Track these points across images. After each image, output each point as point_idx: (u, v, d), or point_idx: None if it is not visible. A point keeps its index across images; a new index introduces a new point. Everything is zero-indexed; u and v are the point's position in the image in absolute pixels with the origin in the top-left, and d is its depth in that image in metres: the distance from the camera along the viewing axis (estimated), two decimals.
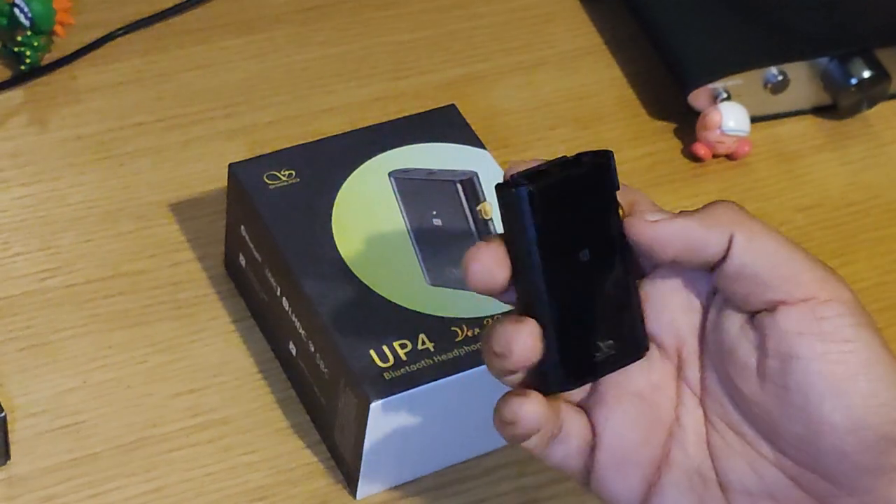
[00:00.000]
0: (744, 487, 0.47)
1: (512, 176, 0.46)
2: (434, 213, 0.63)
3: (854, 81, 0.76)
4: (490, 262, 0.46)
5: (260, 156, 0.64)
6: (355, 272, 0.60)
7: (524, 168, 0.46)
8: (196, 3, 0.79)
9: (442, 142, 0.65)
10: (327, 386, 0.59)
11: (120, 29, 0.76)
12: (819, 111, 0.79)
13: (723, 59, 0.76)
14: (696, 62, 0.76)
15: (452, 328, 0.59)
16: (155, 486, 0.60)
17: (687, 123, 0.76)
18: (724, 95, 0.75)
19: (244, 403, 0.63)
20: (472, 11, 0.82)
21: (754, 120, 0.76)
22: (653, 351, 0.48)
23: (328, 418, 0.60)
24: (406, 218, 0.62)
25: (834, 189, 0.76)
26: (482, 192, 0.63)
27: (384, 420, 0.57)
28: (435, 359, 0.58)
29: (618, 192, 0.47)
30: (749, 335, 0.46)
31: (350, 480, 0.60)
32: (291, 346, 0.62)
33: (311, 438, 0.62)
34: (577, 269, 0.47)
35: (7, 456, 0.59)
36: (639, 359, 0.48)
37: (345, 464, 0.60)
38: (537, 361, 0.46)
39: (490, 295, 0.47)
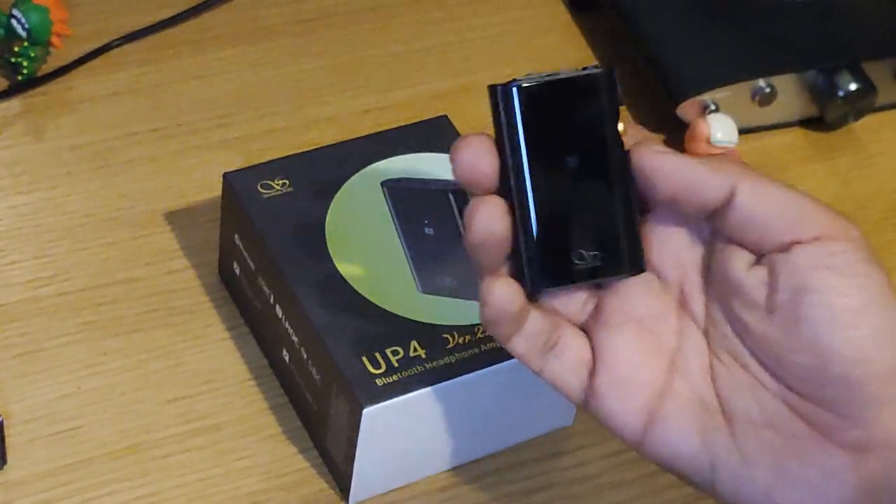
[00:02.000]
0: (747, 417, 0.48)
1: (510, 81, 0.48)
2: (426, 221, 0.63)
3: (841, 94, 0.77)
4: (476, 151, 0.48)
5: (254, 165, 0.65)
6: (348, 280, 0.61)
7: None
8: (191, 14, 0.79)
9: (434, 152, 0.66)
10: (320, 392, 0.60)
11: (116, 40, 0.77)
12: (806, 123, 0.80)
13: (711, 72, 0.77)
14: (685, 74, 0.77)
15: (444, 335, 0.60)
16: (149, 492, 0.60)
17: (676, 135, 0.77)
18: (713, 107, 0.76)
19: (237, 410, 0.63)
20: (464, 24, 0.83)
21: (742, 131, 0.77)
22: (654, 281, 0.50)
23: (321, 425, 0.61)
24: (398, 226, 0.63)
25: (821, 200, 0.77)
26: None
27: (376, 426, 0.58)
28: (426, 365, 0.59)
29: (629, 126, 0.49)
30: (758, 272, 0.48)
31: (342, 486, 0.61)
32: (285, 353, 0.63)
33: (304, 445, 0.63)
34: (565, 175, 0.48)
35: (3, 461, 0.60)
36: (627, 276, 0.49)
37: (337, 470, 0.61)
38: (517, 260, 0.48)
39: (475, 189, 0.48)
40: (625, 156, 0.49)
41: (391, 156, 0.66)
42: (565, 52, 0.82)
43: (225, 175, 0.64)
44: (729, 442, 0.48)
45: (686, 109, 0.77)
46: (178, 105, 0.75)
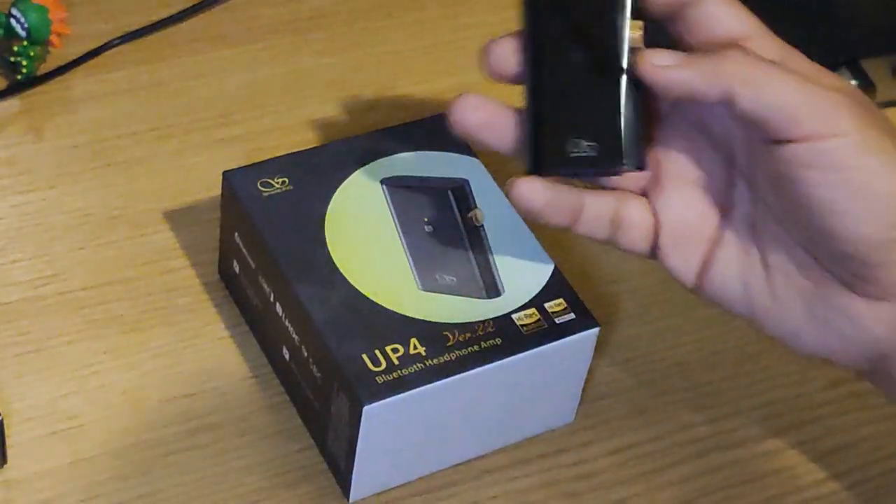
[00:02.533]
0: (782, 265, 0.55)
1: None
2: (426, 219, 0.63)
3: None
4: (504, 48, 0.55)
5: (253, 163, 0.65)
6: (348, 278, 0.61)
7: None
8: (190, 13, 0.79)
9: (434, 150, 0.66)
10: (320, 390, 0.60)
11: (115, 39, 0.77)
12: None
13: None
14: None
15: (444, 333, 0.60)
16: (150, 490, 0.60)
17: None
18: None
19: (238, 408, 0.63)
20: (462, 22, 0.83)
21: None
22: (704, 141, 0.56)
23: (322, 422, 0.61)
24: (398, 224, 0.63)
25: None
26: (473, 199, 0.64)
27: (376, 423, 0.58)
28: (426, 363, 0.59)
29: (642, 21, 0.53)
30: (767, 156, 0.53)
31: (343, 484, 0.61)
32: (285, 351, 0.62)
33: (305, 443, 0.63)
34: (573, 67, 0.53)
35: (4, 460, 0.60)
36: (621, 170, 0.54)
37: (338, 467, 0.61)
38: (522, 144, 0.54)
39: (501, 79, 0.55)
40: (635, 58, 0.53)
41: (391, 154, 0.66)
42: None
43: (224, 173, 0.64)
44: (766, 287, 0.55)
45: None
46: (178, 104, 0.75)
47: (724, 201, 0.56)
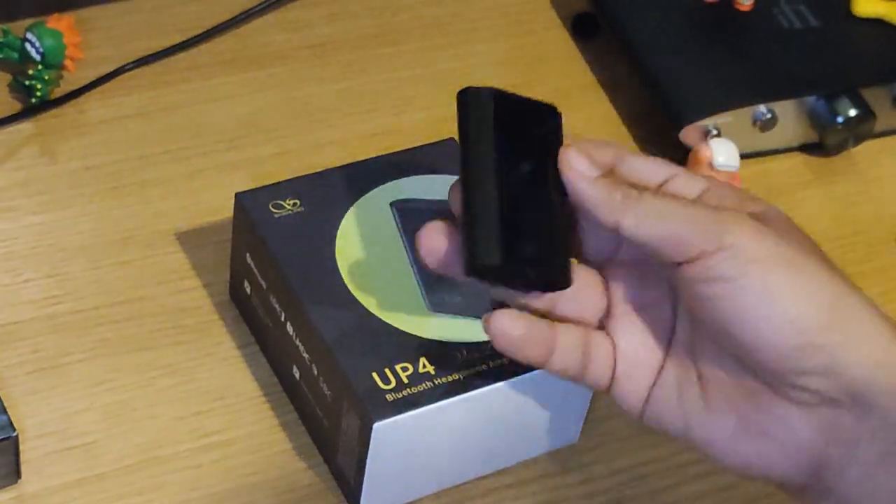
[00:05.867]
0: (715, 378, 0.54)
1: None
2: None
3: (840, 120, 0.79)
4: (435, 238, 0.54)
5: (266, 185, 0.66)
6: (358, 298, 0.62)
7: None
8: (202, 39, 0.81)
9: (441, 173, 0.67)
10: (330, 408, 0.61)
11: (128, 64, 0.78)
12: (807, 148, 0.81)
13: (713, 97, 0.78)
14: (687, 100, 0.78)
15: (453, 352, 0.60)
16: None
17: (678, 160, 0.78)
18: (715, 132, 0.77)
19: (248, 426, 0.64)
20: (468, 50, 0.84)
21: (744, 156, 0.78)
22: (652, 272, 0.55)
23: (331, 440, 0.62)
24: (407, 246, 0.64)
25: (821, 223, 0.78)
26: None
27: (386, 441, 0.59)
28: (436, 381, 0.59)
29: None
30: (675, 278, 0.53)
31: (353, 501, 0.61)
32: (295, 370, 0.63)
33: (314, 461, 0.63)
34: (508, 182, 0.53)
35: (18, 475, 0.61)
36: (551, 290, 0.54)
37: (347, 485, 0.62)
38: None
39: (442, 271, 0.54)
40: (558, 175, 0.53)
41: (400, 177, 0.67)
42: (568, 78, 0.84)
43: (237, 195, 0.66)
44: (700, 400, 0.54)
45: (688, 134, 0.78)
46: (189, 128, 0.76)
47: (669, 326, 0.55)
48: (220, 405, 0.65)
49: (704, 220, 0.52)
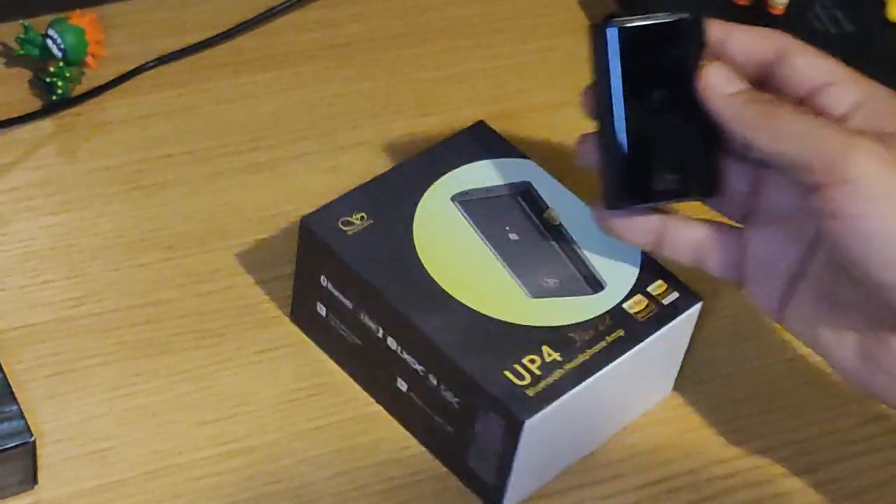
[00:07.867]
0: (846, 302, 0.55)
1: (605, 18, 0.57)
2: (507, 228, 0.64)
3: None
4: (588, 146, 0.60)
5: (326, 204, 0.64)
6: (459, 299, 0.61)
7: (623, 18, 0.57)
8: (224, 38, 0.80)
9: (485, 159, 0.67)
10: (456, 413, 0.60)
11: (150, 62, 0.77)
12: None
13: None
14: None
15: (569, 335, 0.60)
16: None
17: None
18: None
19: (270, 433, 0.63)
20: (495, 51, 0.83)
21: None
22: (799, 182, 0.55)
23: (458, 444, 0.61)
24: (484, 238, 0.63)
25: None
26: (541, 199, 0.65)
27: (534, 436, 0.58)
28: (565, 367, 0.59)
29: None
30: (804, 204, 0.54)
31: (493, 501, 0.61)
32: (401, 383, 0.62)
33: (338, 469, 0.62)
34: (651, 107, 0.57)
35: (35, 480, 0.60)
36: (705, 197, 0.59)
37: (485, 485, 0.61)
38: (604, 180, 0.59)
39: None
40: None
41: (447, 171, 0.66)
42: None
43: (303, 219, 0.64)
44: (829, 319, 0.56)
45: None
46: (211, 128, 0.75)
47: (812, 237, 0.56)
48: (242, 411, 0.64)
49: (830, 147, 0.51)
